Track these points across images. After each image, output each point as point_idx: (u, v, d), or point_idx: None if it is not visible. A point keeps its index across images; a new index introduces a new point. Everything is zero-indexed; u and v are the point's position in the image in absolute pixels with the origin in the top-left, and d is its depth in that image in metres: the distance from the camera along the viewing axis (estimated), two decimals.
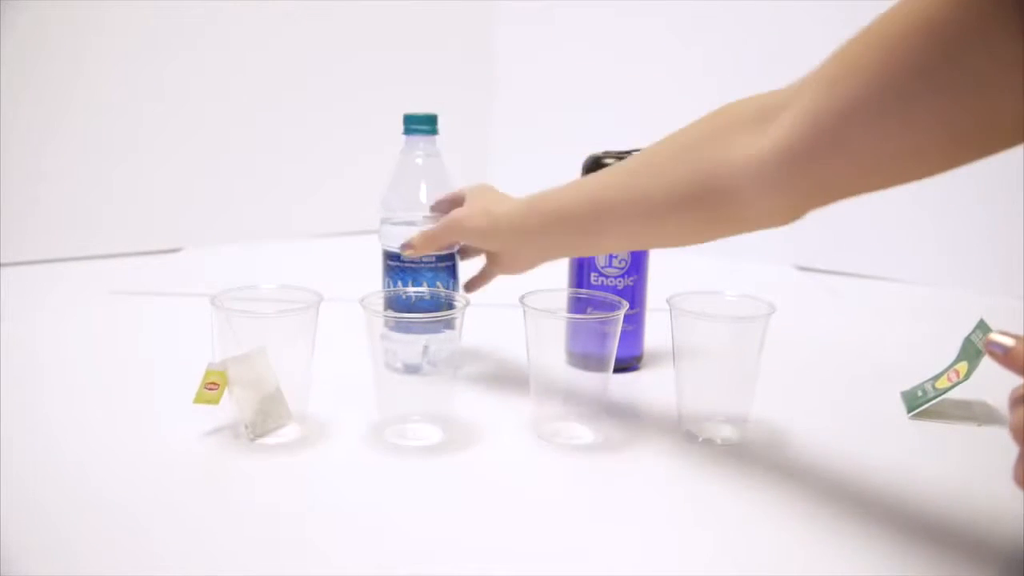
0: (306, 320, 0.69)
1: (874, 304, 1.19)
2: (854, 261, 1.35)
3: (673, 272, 0.91)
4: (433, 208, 0.83)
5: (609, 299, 0.74)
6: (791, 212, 0.60)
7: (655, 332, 0.88)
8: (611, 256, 0.84)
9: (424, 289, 0.80)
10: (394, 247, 0.81)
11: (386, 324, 0.77)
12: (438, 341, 0.78)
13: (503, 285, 0.83)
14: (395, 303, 0.78)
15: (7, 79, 1.23)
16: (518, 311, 0.70)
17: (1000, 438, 0.74)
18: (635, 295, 0.85)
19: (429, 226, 0.80)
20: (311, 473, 0.65)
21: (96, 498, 0.60)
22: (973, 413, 0.78)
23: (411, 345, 0.79)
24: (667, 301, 0.71)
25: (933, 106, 0.49)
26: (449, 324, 0.72)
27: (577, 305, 0.76)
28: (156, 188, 1.40)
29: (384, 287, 0.83)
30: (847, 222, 1.36)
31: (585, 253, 0.84)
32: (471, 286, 0.85)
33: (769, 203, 0.59)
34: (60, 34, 1.27)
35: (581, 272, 0.86)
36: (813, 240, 1.37)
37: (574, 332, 0.74)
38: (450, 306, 0.75)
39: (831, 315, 1.14)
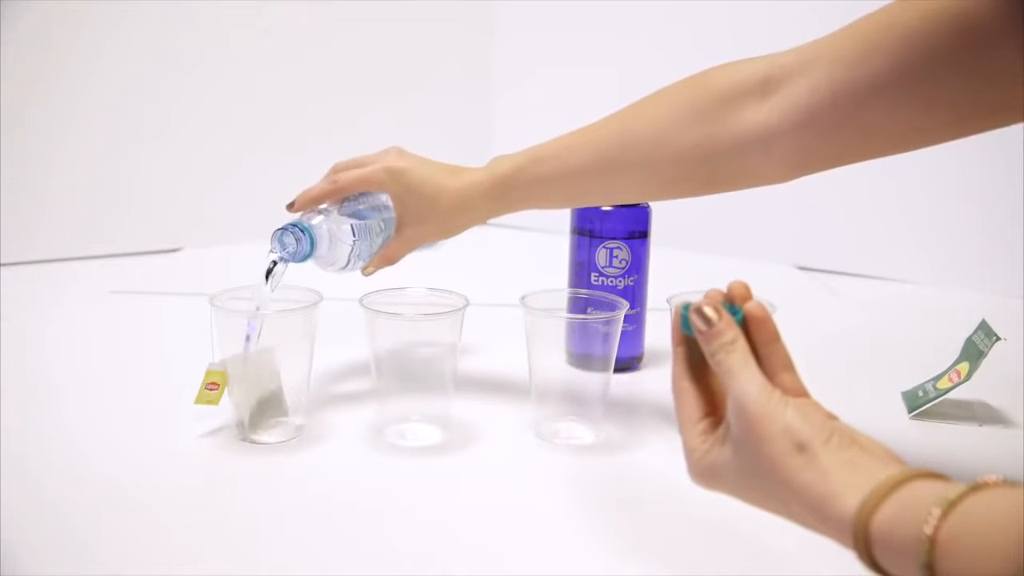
0: (306, 320, 0.69)
1: (874, 304, 1.19)
2: (854, 261, 1.35)
3: (673, 272, 0.91)
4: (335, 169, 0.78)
5: (609, 299, 0.74)
6: (793, 175, 0.64)
7: (655, 332, 0.88)
8: (611, 256, 0.84)
9: None
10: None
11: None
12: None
13: (503, 285, 0.82)
14: None
15: (8, 80, 1.23)
16: (518, 311, 0.70)
17: (1000, 438, 0.74)
18: (635, 295, 0.85)
19: None
20: (311, 473, 0.65)
21: (96, 498, 0.60)
22: (974, 413, 0.78)
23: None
24: (667, 301, 0.71)
25: (953, 90, 0.53)
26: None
27: (577, 305, 0.76)
28: (156, 188, 1.40)
29: None
30: (847, 222, 1.36)
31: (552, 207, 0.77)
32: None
33: (774, 169, 0.63)
34: (62, 34, 1.27)
35: (581, 272, 0.86)
36: (813, 240, 1.37)
37: (574, 332, 0.74)
38: None
39: (831, 315, 1.14)
